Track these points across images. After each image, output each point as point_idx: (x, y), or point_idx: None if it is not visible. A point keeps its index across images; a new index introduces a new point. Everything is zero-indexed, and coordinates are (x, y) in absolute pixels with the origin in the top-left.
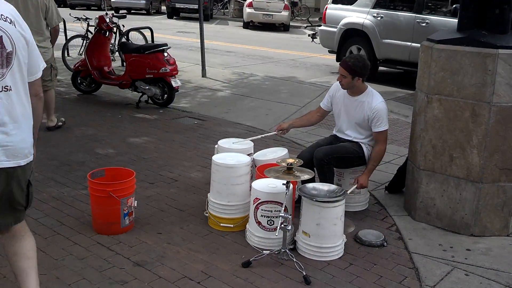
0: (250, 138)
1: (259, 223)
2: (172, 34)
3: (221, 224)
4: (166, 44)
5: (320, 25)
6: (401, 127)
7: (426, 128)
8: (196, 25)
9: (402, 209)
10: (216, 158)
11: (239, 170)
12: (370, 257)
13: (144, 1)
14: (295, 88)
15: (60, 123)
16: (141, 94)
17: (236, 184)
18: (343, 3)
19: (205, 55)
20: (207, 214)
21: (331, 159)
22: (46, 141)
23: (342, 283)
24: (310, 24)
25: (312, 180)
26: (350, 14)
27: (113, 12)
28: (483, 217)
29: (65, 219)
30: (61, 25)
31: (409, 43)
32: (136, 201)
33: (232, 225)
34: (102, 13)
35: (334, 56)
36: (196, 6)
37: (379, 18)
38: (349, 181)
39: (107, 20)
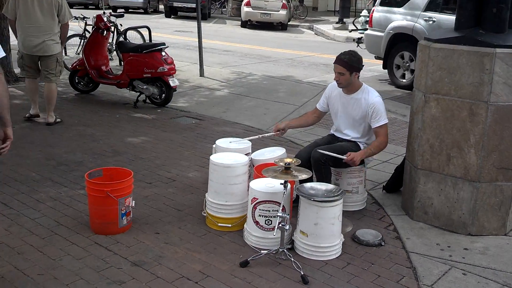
0: (248, 138)
1: (257, 222)
2: (170, 33)
3: (219, 224)
4: (164, 43)
5: (366, 29)
6: (398, 126)
7: (423, 127)
8: (194, 24)
9: (400, 209)
10: (214, 157)
11: (237, 169)
12: (368, 257)
13: (142, 0)
14: (293, 88)
15: (58, 120)
16: (138, 93)
17: (234, 184)
18: (391, 6)
19: (203, 54)
20: (205, 214)
21: (328, 159)
22: (43, 141)
23: (340, 283)
24: (355, 28)
25: (309, 180)
26: (399, 18)
27: (110, 11)
28: (480, 217)
29: (63, 219)
30: None
31: None
32: (133, 201)
33: (230, 225)
34: (100, 12)
35: (331, 55)
36: (194, 5)
37: (431, 22)
38: (347, 181)
39: (105, 19)
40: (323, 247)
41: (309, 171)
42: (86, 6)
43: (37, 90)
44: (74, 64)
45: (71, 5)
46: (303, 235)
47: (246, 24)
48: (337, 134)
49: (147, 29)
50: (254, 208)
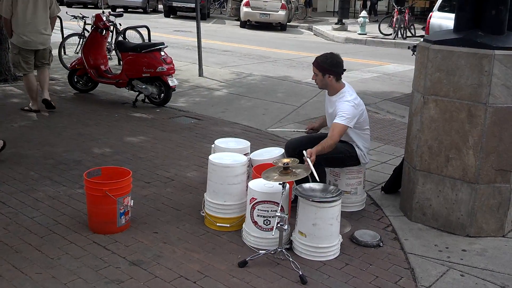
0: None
1: (255, 222)
2: (169, 33)
3: (218, 224)
4: (163, 43)
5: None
6: (397, 127)
7: (422, 128)
8: (193, 24)
9: (398, 210)
10: (213, 157)
11: (236, 169)
12: (366, 257)
13: (141, 0)
14: (292, 88)
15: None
16: (137, 93)
17: (232, 184)
18: (450, 11)
19: (202, 54)
20: (203, 214)
21: (320, 159)
22: (42, 139)
23: (338, 283)
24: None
25: (307, 180)
26: None
27: (110, 10)
28: (478, 218)
29: (61, 218)
30: (58, 23)
31: None
32: (132, 201)
33: (228, 225)
34: (99, 11)
35: None
36: (193, 5)
37: None
38: (345, 181)
39: (104, 18)
40: (322, 247)
41: (307, 167)
42: (85, 5)
43: (35, 84)
44: (73, 63)
45: (70, 4)
46: (301, 235)
47: (245, 24)
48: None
49: (146, 29)
50: (253, 208)
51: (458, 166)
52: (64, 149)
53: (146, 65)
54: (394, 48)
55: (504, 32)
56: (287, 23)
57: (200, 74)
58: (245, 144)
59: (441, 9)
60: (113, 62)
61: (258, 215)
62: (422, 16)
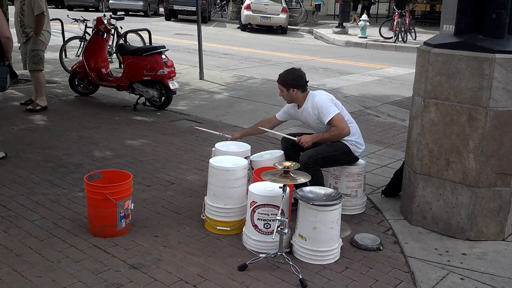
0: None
1: (255, 226)
2: (170, 36)
3: (218, 227)
4: (164, 46)
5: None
6: (397, 131)
7: (422, 132)
8: (194, 27)
9: (399, 213)
10: (213, 161)
11: (236, 173)
12: (366, 261)
13: (142, 3)
14: None
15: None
16: (138, 96)
17: (233, 187)
18: None
19: (203, 58)
20: (203, 217)
21: (315, 160)
22: (42, 143)
23: (338, 287)
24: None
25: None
26: None
27: (111, 13)
28: (479, 222)
29: (62, 221)
30: (59, 26)
31: None
32: (132, 204)
33: (228, 228)
34: (100, 14)
35: (330, 59)
36: (194, 8)
37: None
38: (345, 184)
39: (105, 21)
40: (322, 251)
41: (308, 174)
42: (86, 9)
43: None
44: (74, 67)
45: (72, 8)
46: (301, 239)
47: (246, 27)
48: None
49: (147, 32)
50: (253, 211)
51: (459, 170)
52: (64, 152)
53: (147, 69)
54: (395, 51)
55: (504, 35)
56: (294, 26)
57: (201, 77)
58: (245, 147)
59: None
60: (114, 65)
61: (258, 219)
62: (423, 19)
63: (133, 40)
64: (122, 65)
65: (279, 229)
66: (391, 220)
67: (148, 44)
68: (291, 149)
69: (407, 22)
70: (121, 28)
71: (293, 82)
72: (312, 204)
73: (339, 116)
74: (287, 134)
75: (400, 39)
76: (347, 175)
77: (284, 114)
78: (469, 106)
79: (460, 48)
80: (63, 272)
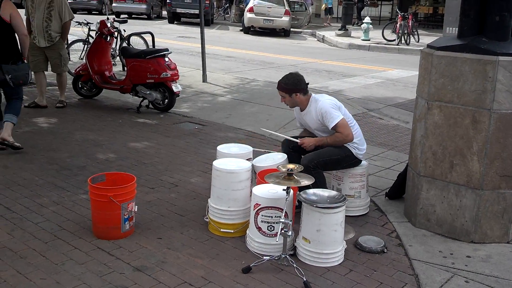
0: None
1: (259, 228)
2: (173, 39)
3: (221, 230)
4: (167, 49)
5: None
6: (401, 133)
7: (426, 134)
8: (197, 30)
9: (402, 216)
10: (217, 163)
11: (240, 175)
12: (370, 264)
13: (145, 6)
14: None
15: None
16: (141, 99)
17: (236, 190)
18: None
19: (206, 60)
20: (207, 220)
21: (317, 163)
22: (46, 145)
23: None
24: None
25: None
26: None
27: (114, 16)
28: (483, 224)
29: (66, 223)
30: None
31: None
32: (136, 206)
33: (232, 231)
34: (103, 17)
35: (333, 62)
36: (197, 11)
37: None
38: (349, 185)
39: (108, 24)
40: (326, 253)
41: (311, 177)
42: (89, 12)
43: None
44: (78, 69)
45: (75, 11)
46: (305, 241)
47: (249, 30)
48: None
49: (150, 35)
50: (257, 214)
51: (463, 172)
52: (68, 154)
53: (150, 71)
54: (398, 54)
55: (508, 38)
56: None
57: (204, 80)
58: (247, 149)
59: None
60: (117, 68)
61: (262, 221)
62: (426, 22)
63: (136, 43)
64: (126, 68)
65: (282, 231)
66: (395, 223)
67: (151, 47)
68: (292, 152)
69: (410, 24)
70: (124, 31)
71: (295, 86)
72: (315, 207)
73: (344, 122)
74: (289, 136)
75: (403, 41)
76: (349, 176)
77: (298, 121)
78: (473, 109)
79: (464, 51)
80: (67, 275)
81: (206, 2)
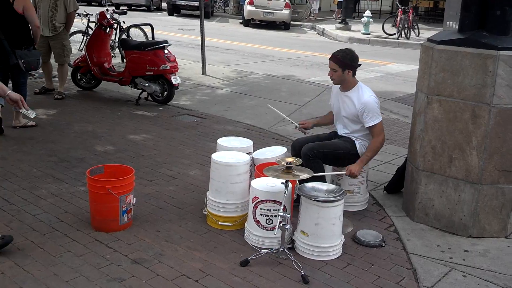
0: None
1: (257, 222)
2: (173, 31)
3: (220, 223)
4: (166, 41)
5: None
6: (400, 127)
7: (425, 128)
8: (196, 22)
9: (401, 210)
10: (216, 156)
11: (239, 168)
12: (368, 258)
13: None
14: (295, 87)
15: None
16: (141, 91)
17: (235, 183)
18: None
19: (205, 53)
20: (205, 212)
21: (317, 153)
22: (45, 137)
23: (340, 283)
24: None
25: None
26: None
27: (113, 8)
28: (481, 219)
29: (64, 215)
30: None
31: None
32: (134, 199)
33: (230, 224)
34: (103, 9)
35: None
36: (196, 3)
37: None
38: (348, 181)
39: (108, 16)
40: (324, 247)
41: (310, 170)
42: (89, 3)
43: None
44: (77, 61)
45: None
46: (303, 235)
47: (248, 23)
48: (337, 131)
49: (150, 27)
50: (255, 207)
51: (461, 167)
52: (67, 146)
53: (149, 63)
54: (398, 48)
55: (509, 32)
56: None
57: (203, 72)
58: (248, 143)
59: None
60: (116, 60)
61: (260, 214)
62: (426, 16)
63: (136, 35)
64: (125, 60)
65: (281, 225)
66: (393, 217)
67: (151, 39)
68: (312, 158)
69: (410, 18)
70: (124, 22)
71: (352, 62)
72: (314, 200)
73: (381, 125)
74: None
75: (403, 35)
76: None
77: (331, 100)
78: (473, 103)
79: (464, 45)
80: (65, 267)
81: None
